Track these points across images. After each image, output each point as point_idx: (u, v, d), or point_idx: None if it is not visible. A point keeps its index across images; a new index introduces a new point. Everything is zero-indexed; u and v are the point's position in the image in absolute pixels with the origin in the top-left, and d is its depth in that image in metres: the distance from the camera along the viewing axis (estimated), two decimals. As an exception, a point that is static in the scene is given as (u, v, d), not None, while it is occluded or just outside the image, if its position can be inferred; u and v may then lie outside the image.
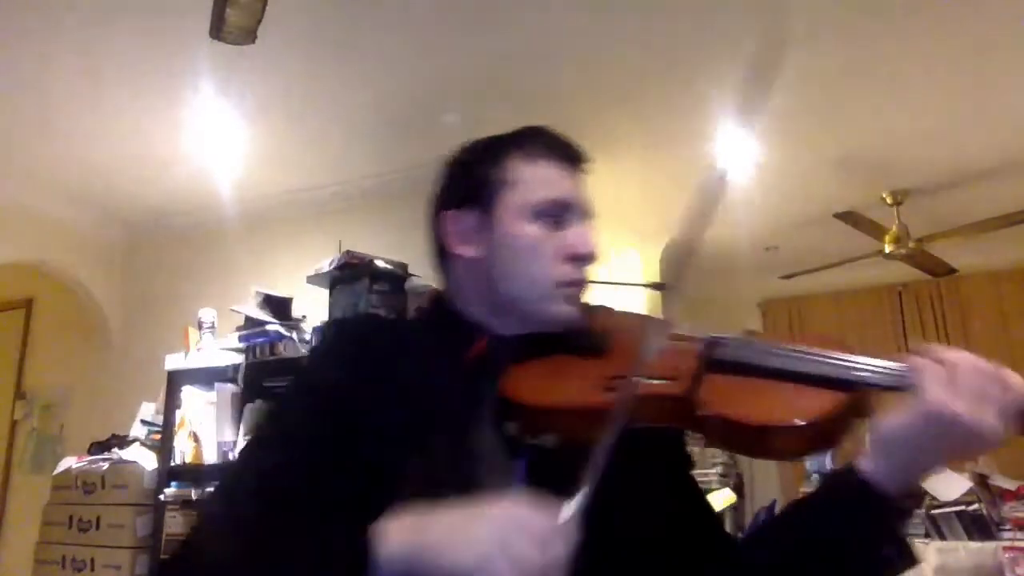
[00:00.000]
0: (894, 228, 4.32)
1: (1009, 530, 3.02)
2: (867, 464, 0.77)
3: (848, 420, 0.76)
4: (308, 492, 0.78)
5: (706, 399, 0.77)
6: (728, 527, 3.44)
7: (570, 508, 0.66)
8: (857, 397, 0.75)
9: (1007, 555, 2.89)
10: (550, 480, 0.75)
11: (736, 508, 3.82)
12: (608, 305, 0.97)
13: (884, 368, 0.75)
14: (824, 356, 0.77)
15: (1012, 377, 0.72)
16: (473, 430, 0.81)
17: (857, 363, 0.76)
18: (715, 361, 0.81)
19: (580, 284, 0.89)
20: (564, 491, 0.68)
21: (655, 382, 0.78)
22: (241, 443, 3.02)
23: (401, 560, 0.67)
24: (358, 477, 0.79)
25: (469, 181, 0.92)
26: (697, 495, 0.97)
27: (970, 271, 5.09)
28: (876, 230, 4.26)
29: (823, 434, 0.75)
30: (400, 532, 0.69)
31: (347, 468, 0.79)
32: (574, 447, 0.75)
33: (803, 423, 0.73)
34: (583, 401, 0.79)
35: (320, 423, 0.82)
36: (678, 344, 0.83)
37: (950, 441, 0.72)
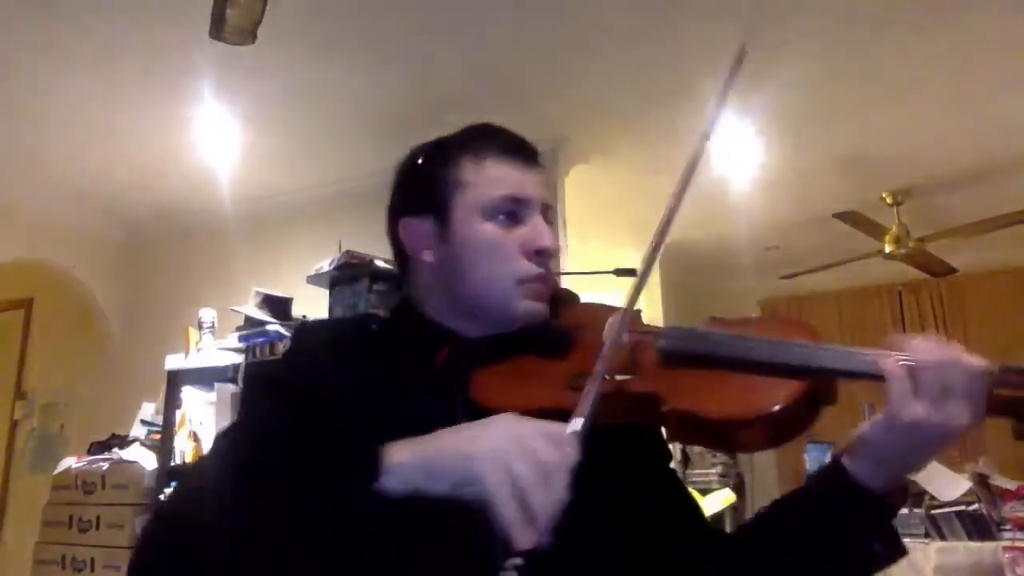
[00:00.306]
0: (894, 228, 4.32)
1: (1009, 530, 3.02)
2: (851, 461, 0.78)
3: (811, 408, 0.76)
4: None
5: (668, 394, 0.77)
6: (728, 527, 3.44)
7: (577, 426, 0.68)
8: (818, 384, 0.75)
9: (1007, 555, 2.88)
10: None
11: (736, 508, 3.82)
12: (574, 296, 0.97)
13: (844, 355, 0.75)
14: (783, 344, 0.77)
15: (971, 362, 0.72)
16: None
17: (817, 350, 0.76)
18: (675, 354, 0.81)
19: (542, 279, 0.89)
20: None
21: (616, 378, 0.78)
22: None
23: (407, 473, 0.68)
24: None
25: (421, 187, 0.93)
26: (678, 489, 0.96)
27: (970, 271, 5.09)
28: (876, 230, 4.26)
29: (787, 423, 0.75)
30: (404, 451, 0.70)
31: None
32: None
33: (766, 414, 0.73)
34: (550, 403, 0.78)
35: (290, 424, 0.81)
36: (639, 337, 0.83)
37: (921, 440, 0.73)
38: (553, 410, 0.76)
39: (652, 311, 4.59)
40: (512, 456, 0.65)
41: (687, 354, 0.80)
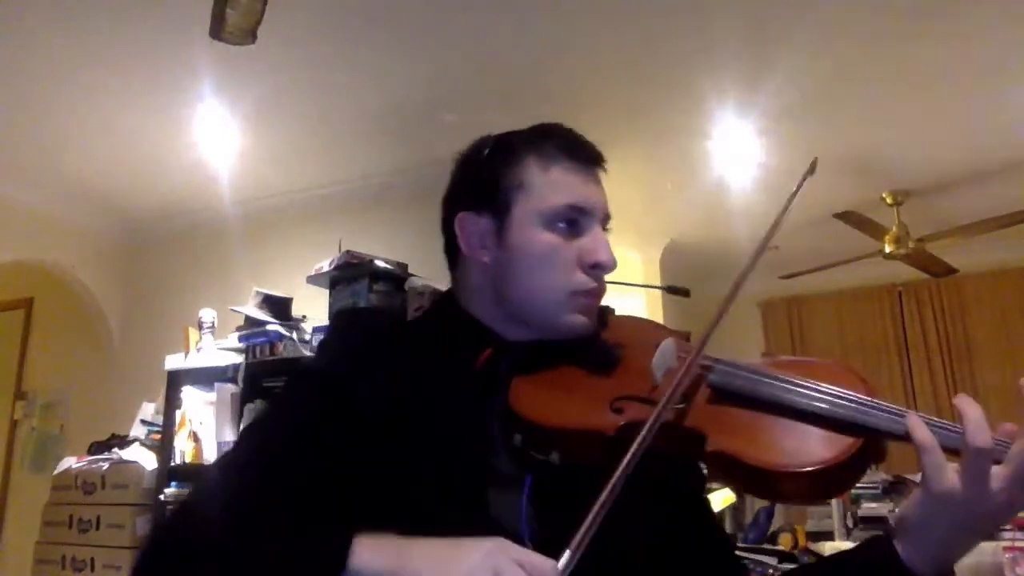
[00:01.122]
0: (894, 228, 4.32)
1: (1009, 530, 3.02)
2: (897, 539, 0.74)
3: (860, 466, 0.72)
4: (301, 483, 0.76)
5: (715, 433, 0.73)
6: (728, 527, 3.43)
7: (564, 560, 0.62)
8: (870, 443, 0.71)
9: (1007, 555, 2.88)
10: (554, 499, 0.74)
11: (736, 508, 3.81)
12: (623, 313, 0.94)
13: (897, 418, 0.71)
14: (844, 397, 0.73)
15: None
16: (482, 439, 0.79)
17: (878, 408, 0.72)
18: (728, 392, 0.77)
19: (595, 294, 0.86)
20: (568, 512, 0.66)
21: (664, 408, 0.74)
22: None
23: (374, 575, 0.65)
24: (359, 477, 0.77)
25: (483, 183, 0.89)
26: (709, 521, 0.93)
27: (970, 271, 5.08)
28: (876, 230, 4.25)
29: (834, 480, 0.71)
30: (377, 549, 0.66)
31: (346, 467, 0.77)
32: (579, 466, 0.74)
33: (816, 469, 0.69)
34: (588, 423, 0.76)
35: (324, 418, 0.80)
36: (690, 367, 0.77)
37: (967, 521, 0.69)
38: (593, 432, 0.74)
39: (653, 310, 4.59)
40: None
41: (740, 394, 0.76)
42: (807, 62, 3.00)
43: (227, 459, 0.84)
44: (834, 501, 3.45)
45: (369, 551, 0.66)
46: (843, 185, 4.20)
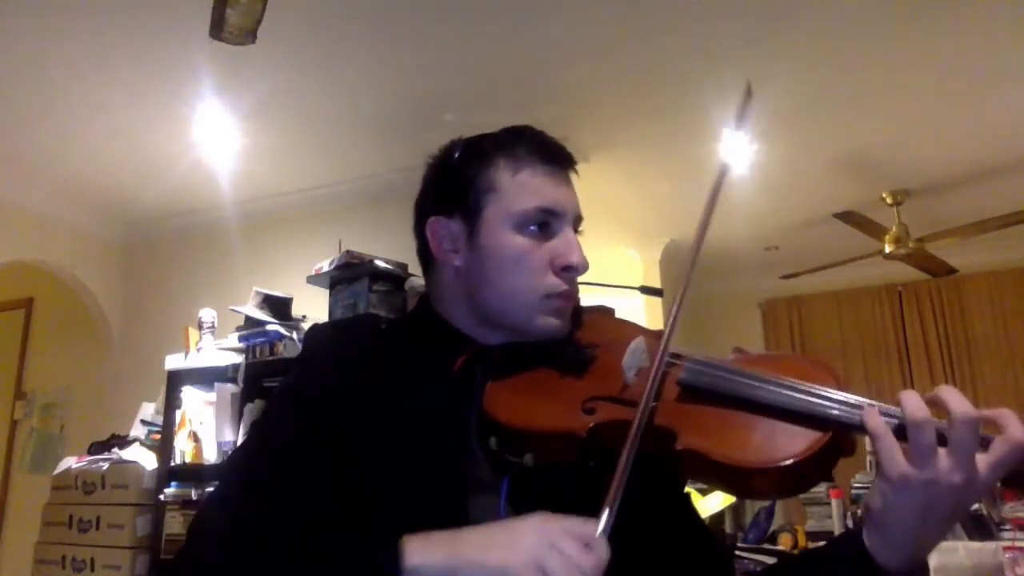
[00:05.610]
0: (894, 228, 4.32)
1: (1009, 530, 3.02)
2: (866, 534, 0.73)
3: (830, 459, 0.72)
4: (301, 504, 0.77)
5: (684, 430, 0.74)
6: (728, 527, 3.44)
7: (601, 523, 0.67)
8: (839, 436, 0.72)
9: (1007, 555, 2.88)
10: (532, 501, 0.75)
11: (736, 507, 3.82)
12: (602, 308, 0.95)
13: (854, 408, 0.72)
14: (810, 392, 0.73)
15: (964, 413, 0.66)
16: (459, 444, 0.81)
17: (846, 401, 0.72)
18: (697, 389, 0.78)
19: (567, 296, 0.87)
20: (545, 511, 0.68)
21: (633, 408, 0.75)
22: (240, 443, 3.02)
23: (433, 574, 0.67)
24: (344, 488, 0.78)
25: (453, 187, 0.89)
26: (693, 520, 0.93)
27: (970, 271, 5.09)
28: (876, 230, 4.26)
29: (804, 475, 0.72)
30: (428, 546, 0.68)
31: (332, 479, 0.78)
32: (554, 468, 0.76)
33: (784, 464, 0.70)
34: (559, 425, 0.77)
35: (306, 434, 0.81)
36: (659, 365, 0.78)
37: (927, 506, 0.68)
38: (565, 434, 0.76)
39: (651, 311, 4.58)
40: (549, 566, 0.64)
41: (709, 390, 0.77)
42: (807, 63, 3.00)
43: (219, 493, 0.83)
44: (834, 501, 3.45)
45: (420, 550, 0.67)
46: (843, 185, 4.20)
